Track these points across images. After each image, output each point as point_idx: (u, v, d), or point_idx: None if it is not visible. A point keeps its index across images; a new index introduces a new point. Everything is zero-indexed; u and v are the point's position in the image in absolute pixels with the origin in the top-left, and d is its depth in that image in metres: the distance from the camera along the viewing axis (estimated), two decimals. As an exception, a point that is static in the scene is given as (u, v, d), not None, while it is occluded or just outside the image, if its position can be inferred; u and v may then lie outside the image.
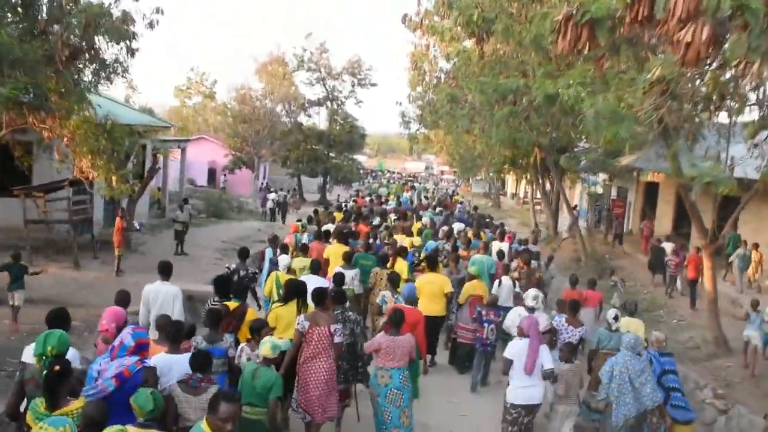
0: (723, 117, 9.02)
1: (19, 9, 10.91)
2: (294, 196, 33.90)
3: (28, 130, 12.13)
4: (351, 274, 9.21)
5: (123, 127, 13.13)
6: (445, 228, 14.76)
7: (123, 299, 6.43)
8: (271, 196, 28.11)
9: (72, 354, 4.69)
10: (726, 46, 5.01)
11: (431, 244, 12.39)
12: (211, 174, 38.73)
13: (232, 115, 37.37)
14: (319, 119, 39.34)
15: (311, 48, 36.40)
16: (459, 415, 7.75)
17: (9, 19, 10.91)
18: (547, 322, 7.52)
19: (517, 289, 9.98)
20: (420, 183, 53.04)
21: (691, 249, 14.13)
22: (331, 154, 37.09)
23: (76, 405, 3.93)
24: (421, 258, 10.97)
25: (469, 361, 9.08)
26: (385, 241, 12.42)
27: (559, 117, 12.77)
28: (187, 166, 27.56)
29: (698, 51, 4.62)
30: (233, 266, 8.91)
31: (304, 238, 11.86)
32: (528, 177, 28.42)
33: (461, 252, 11.60)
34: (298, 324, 5.95)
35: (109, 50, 11.48)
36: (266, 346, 5.14)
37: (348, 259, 9.49)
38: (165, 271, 7.04)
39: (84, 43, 10.98)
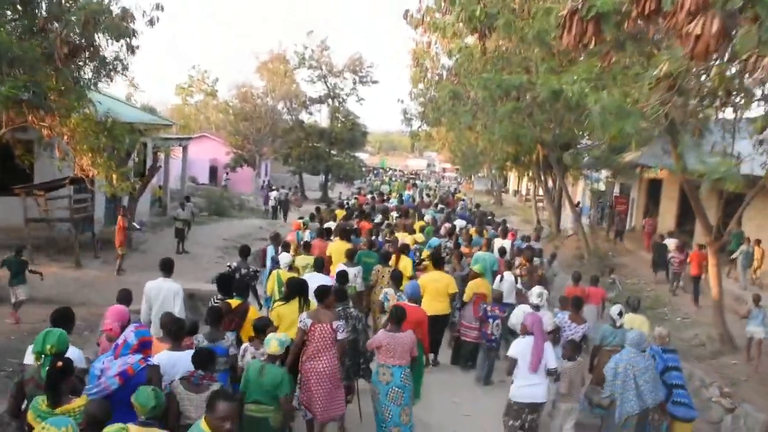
0: (728, 113, 8.95)
1: (18, 6, 10.84)
2: (296, 193, 33.85)
3: (29, 129, 12.10)
4: (354, 272, 9.15)
5: (123, 124, 13.07)
6: (448, 225, 14.72)
7: (125, 297, 6.42)
8: (273, 194, 28.08)
9: (76, 354, 4.67)
10: (736, 39, 4.94)
11: (434, 241, 12.34)
12: (213, 172, 38.70)
13: (234, 113, 37.35)
14: (320, 117, 39.37)
15: (312, 45, 36.36)
16: (462, 415, 7.69)
17: (8, 17, 10.86)
18: (552, 321, 7.45)
19: (519, 286, 9.95)
20: (422, 180, 52.97)
21: (694, 246, 14.06)
22: (332, 151, 37.02)
23: (77, 403, 3.91)
24: (423, 256, 10.93)
25: (472, 360, 9.04)
26: (387, 238, 12.37)
27: (562, 113, 12.71)
28: (189, 164, 27.54)
29: (708, 44, 4.54)
30: (234, 264, 8.88)
31: (306, 236, 11.83)
32: (530, 174, 28.37)
33: (463, 249, 11.56)
34: (300, 322, 5.93)
35: (109, 48, 11.43)
36: (273, 343, 5.10)
37: (351, 257, 9.45)
38: (166, 267, 7.07)
39: (83, 41, 10.90)
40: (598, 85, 7.90)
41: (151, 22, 11.23)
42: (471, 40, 14.99)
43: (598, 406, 6.96)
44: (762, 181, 9.48)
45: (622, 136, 7.61)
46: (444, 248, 11.86)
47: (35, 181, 14.23)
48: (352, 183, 42.00)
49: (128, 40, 11.24)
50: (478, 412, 7.71)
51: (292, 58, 36.89)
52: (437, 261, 9.36)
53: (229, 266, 9.23)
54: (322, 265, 8.51)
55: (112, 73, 11.98)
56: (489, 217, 19.10)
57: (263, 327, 5.76)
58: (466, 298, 9.09)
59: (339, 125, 36.94)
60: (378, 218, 15.80)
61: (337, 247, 10.15)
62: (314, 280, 7.28)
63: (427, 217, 16.22)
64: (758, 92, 7.78)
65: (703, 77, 7.11)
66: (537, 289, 7.69)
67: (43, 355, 4.21)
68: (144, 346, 4.60)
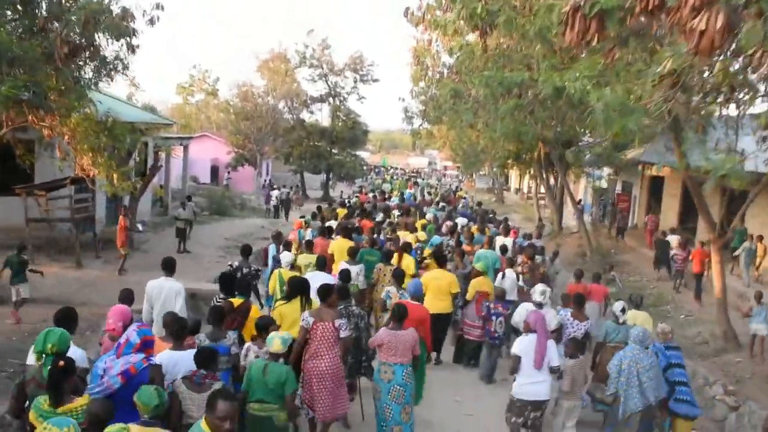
0: (731, 109, 8.90)
1: (18, 6, 10.82)
2: (297, 192, 33.83)
3: (29, 129, 12.07)
4: (356, 270, 9.13)
5: (124, 124, 13.05)
6: (449, 223, 14.70)
7: (127, 297, 6.39)
8: (275, 193, 28.10)
9: (79, 354, 4.65)
10: (741, 35, 4.90)
11: (436, 239, 12.32)
12: (214, 171, 38.73)
13: (235, 112, 37.36)
14: (321, 116, 39.33)
15: (313, 44, 36.30)
16: (464, 414, 7.66)
17: (8, 17, 10.83)
18: (556, 320, 7.43)
19: (521, 283, 9.93)
20: (423, 179, 52.95)
21: (697, 243, 14.01)
22: (333, 150, 36.98)
23: (79, 402, 3.90)
24: (425, 254, 10.91)
25: (475, 358, 9.02)
26: (388, 236, 12.35)
27: (564, 110, 12.66)
28: (190, 163, 27.53)
29: (712, 39, 4.51)
30: (236, 263, 8.86)
31: (308, 235, 11.81)
32: (531, 172, 28.30)
33: (465, 247, 11.54)
34: (303, 320, 5.92)
35: (109, 47, 11.41)
36: (276, 341, 5.08)
37: (353, 255, 9.43)
38: (168, 267, 7.06)
39: (83, 41, 10.88)
40: (601, 81, 7.85)
41: (152, 22, 11.22)
42: (472, 37, 14.92)
43: (601, 402, 6.96)
44: (766, 178, 9.44)
45: (625, 133, 7.57)
46: (446, 246, 11.83)
47: (36, 181, 14.22)
48: (354, 182, 41.97)
49: (128, 39, 11.23)
50: (481, 411, 7.68)
51: (292, 57, 36.89)
52: (439, 259, 9.34)
53: (231, 265, 9.21)
54: (324, 263, 8.49)
55: (112, 73, 11.96)
56: (490, 215, 19.10)
57: (265, 326, 5.75)
58: (469, 296, 9.07)
59: (340, 124, 36.89)
60: (380, 217, 15.78)
61: (339, 246, 10.14)
62: (316, 278, 7.27)
63: (429, 216, 16.21)
64: (762, 88, 7.74)
65: (707, 73, 7.06)
66: (540, 287, 7.66)
67: (44, 355, 4.20)
68: (146, 346, 4.60)
